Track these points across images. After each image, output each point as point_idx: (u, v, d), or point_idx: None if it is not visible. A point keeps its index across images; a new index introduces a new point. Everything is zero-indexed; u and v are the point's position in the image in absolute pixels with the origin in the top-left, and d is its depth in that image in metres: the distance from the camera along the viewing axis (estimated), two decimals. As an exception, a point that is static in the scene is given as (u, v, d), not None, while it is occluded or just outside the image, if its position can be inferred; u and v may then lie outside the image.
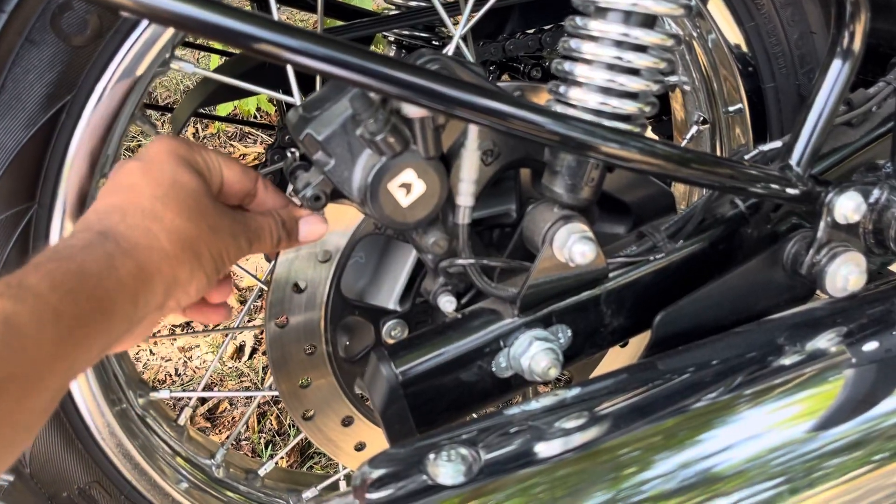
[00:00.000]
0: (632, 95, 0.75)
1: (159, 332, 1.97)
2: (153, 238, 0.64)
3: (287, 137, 1.19)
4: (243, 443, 1.69)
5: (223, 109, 2.52)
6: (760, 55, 1.06)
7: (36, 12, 0.73)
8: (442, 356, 0.82)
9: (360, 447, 1.00)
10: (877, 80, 1.03)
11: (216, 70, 1.11)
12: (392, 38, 1.31)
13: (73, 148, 0.80)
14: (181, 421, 1.09)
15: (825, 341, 0.84)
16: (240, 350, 1.91)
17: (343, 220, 0.87)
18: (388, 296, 0.93)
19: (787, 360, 0.83)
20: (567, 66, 0.76)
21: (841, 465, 0.79)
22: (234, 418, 1.73)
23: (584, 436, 0.75)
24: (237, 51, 1.38)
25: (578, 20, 0.75)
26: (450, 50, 0.95)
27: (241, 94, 1.59)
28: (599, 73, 0.74)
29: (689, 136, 1.19)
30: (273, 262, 0.86)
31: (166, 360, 1.88)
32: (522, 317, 0.83)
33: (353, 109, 0.71)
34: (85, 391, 0.92)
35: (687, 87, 1.18)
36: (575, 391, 0.81)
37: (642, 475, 0.73)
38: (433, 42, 1.27)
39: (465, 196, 0.78)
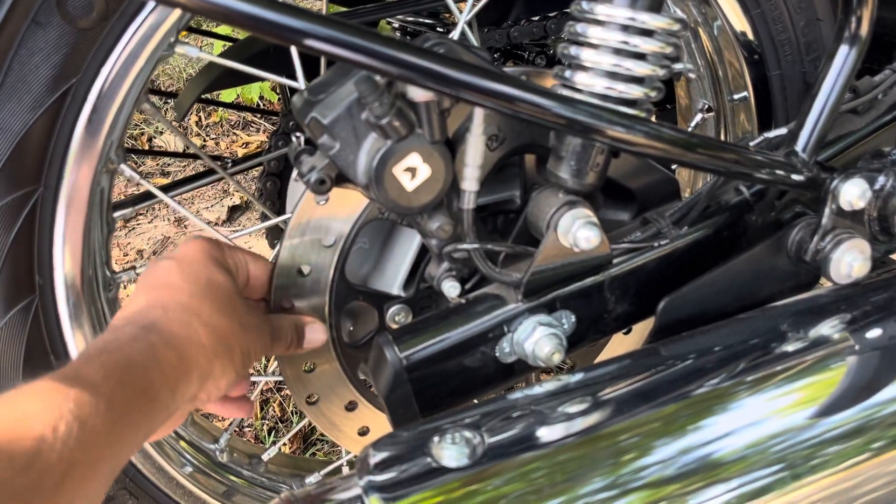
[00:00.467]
0: (638, 80, 0.75)
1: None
2: (193, 331, 0.69)
3: (291, 123, 1.19)
4: (247, 429, 1.70)
5: (226, 97, 2.52)
6: (766, 42, 1.06)
7: (42, -6, 0.73)
8: (446, 341, 0.82)
9: (363, 432, 1.01)
10: (883, 69, 1.03)
11: (221, 55, 1.11)
12: (397, 25, 1.30)
13: (78, 131, 0.80)
14: (185, 405, 1.09)
15: (828, 328, 0.84)
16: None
17: (347, 205, 0.87)
18: (392, 281, 0.93)
19: (790, 347, 0.83)
20: (573, 50, 0.76)
21: (842, 452, 0.79)
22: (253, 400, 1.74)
23: (587, 420, 0.75)
24: (241, 37, 1.38)
25: (585, 4, 0.75)
26: (455, 36, 0.95)
27: (246, 79, 1.59)
28: (605, 58, 0.74)
29: (693, 124, 1.18)
30: (277, 248, 0.86)
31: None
32: (526, 302, 0.83)
33: (358, 93, 0.71)
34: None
35: (692, 75, 1.18)
36: (578, 376, 0.81)
37: (643, 460, 0.73)
38: (437, 28, 1.26)
39: (470, 181, 0.78)
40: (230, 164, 1.32)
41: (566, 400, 0.78)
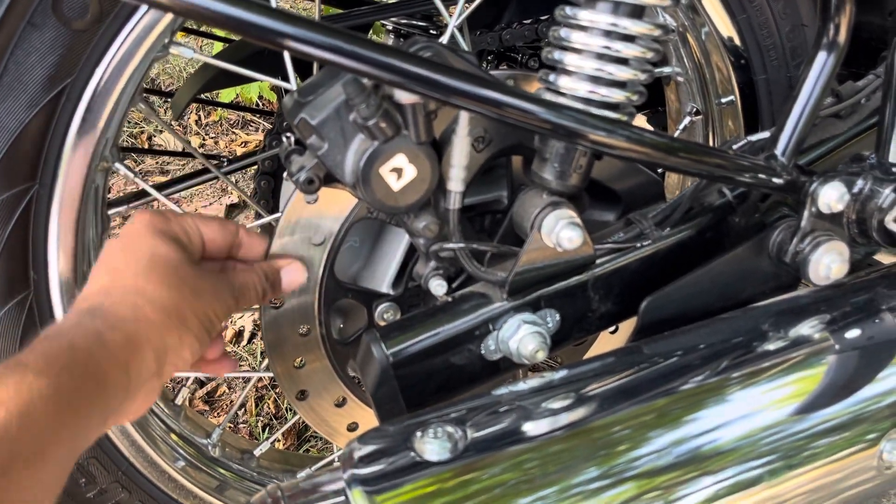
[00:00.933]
0: (620, 84, 0.77)
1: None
2: (138, 310, 0.68)
3: (284, 124, 1.21)
4: (241, 426, 1.72)
5: (225, 97, 2.53)
6: (752, 47, 1.08)
7: (38, -4, 0.74)
8: (432, 338, 0.84)
9: (352, 427, 1.03)
10: (867, 74, 1.05)
11: (216, 56, 1.12)
12: (390, 27, 1.32)
13: (73, 129, 0.82)
14: (178, 401, 1.11)
15: (809, 328, 0.86)
16: (238, 334, 1.94)
17: (337, 205, 0.88)
18: (382, 279, 0.95)
19: (770, 346, 0.84)
20: (557, 54, 0.78)
21: (821, 450, 0.81)
22: (232, 402, 1.76)
23: (569, 416, 0.77)
24: (237, 38, 1.39)
25: (568, 10, 0.77)
26: (445, 39, 0.97)
27: (240, 80, 1.61)
28: (588, 62, 0.76)
29: (682, 127, 1.20)
30: (268, 246, 0.87)
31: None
32: (511, 301, 0.85)
33: (345, 95, 0.72)
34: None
35: (680, 78, 1.19)
36: (561, 373, 0.83)
37: (624, 456, 0.74)
38: (430, 31, 1.28)
39: (456, 181, 0.79)
40: (226, 163, 1.33)
41: (549, 396, 0.79)
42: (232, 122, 2.79)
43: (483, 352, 0.86)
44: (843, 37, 0.79)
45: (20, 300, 0.87)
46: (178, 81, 2.97)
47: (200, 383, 1.79)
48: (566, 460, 0.72)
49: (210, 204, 2.39)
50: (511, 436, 0.74)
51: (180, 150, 2.49)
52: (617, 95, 0.77)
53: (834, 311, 0.87)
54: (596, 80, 0.76)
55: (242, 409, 1.74)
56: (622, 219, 0.92)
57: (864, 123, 0.97)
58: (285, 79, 0.95)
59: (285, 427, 1.22)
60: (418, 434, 0.71)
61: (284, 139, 0.83)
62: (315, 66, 0.98)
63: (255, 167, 1.30)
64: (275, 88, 2.56)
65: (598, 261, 0.87)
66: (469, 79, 0.67)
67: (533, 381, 0.82)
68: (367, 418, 1.02)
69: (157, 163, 2.54)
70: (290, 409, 1.72)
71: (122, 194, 2.31)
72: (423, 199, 0.80)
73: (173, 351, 0.70)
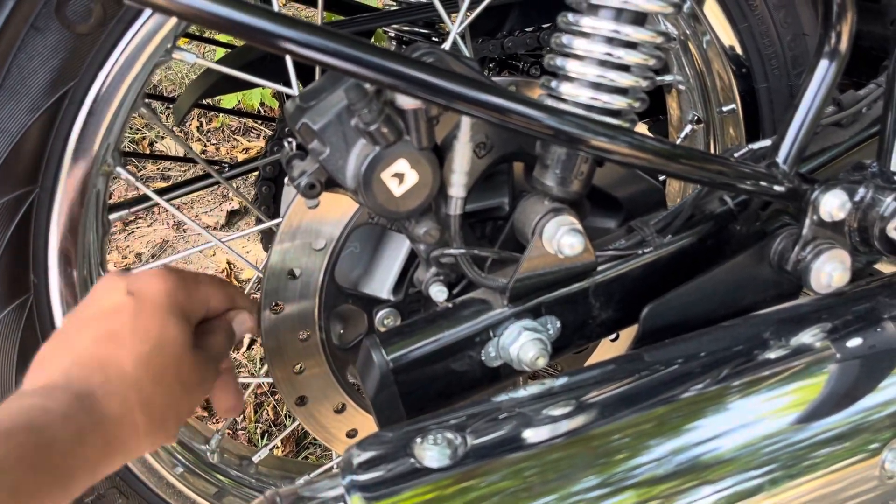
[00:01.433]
0: (622, 91, 0.77)
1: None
2: (127, 411, 0.66)
3: (286, 129, 1.21)
4: (240, 432, 1.71)
5: (227, 103, 2.54)
6: (754, 56, 1.08)
7: (42, 0, 0.75)
8: (432, 344, 0.84)
9: (352, 434, 1.02)
10: (868, 83, 1.05)
11: (218, 62, 1.13)
12: (393, 34, 1.33)
13: (74, 133, 0.82)
14: (177, 406, 1.11)
15: (810, 337, 0.86)
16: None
17: (338, 210, 0.88)
18: (382, 285, 0.95)
19: (771, 355, 0.84)
20: (559, 61, 0.78)
21: (822, 459, 0.80)
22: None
23: (569, 424, 0.76)
24: (239, 44, 1.40)
25: (571, 16, 0.77)
26: (447, 46, 0.97)
27: (243, 85, 1.61)
28: (590, 69, 0.76)
29: (683, 135, 1.20)
30: (269, 251, 0.87)
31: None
32: (512, 307, 0.85)
33: (347, 100, 0.72)
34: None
35: (682, 87, 1.19)
36: (562, 380, 0.82)
37: (625, 464, 0.74)
38: (433, 38, 1.28)
39: (457, 187, 0.79)
40: (227, 169, 1.33)
41: (549, 403, 0.79)
42: (234, 129, 2.80)
43: (483, 358, 0.86)
44: (844, 45, 0.79)
45: (20, 303, 0.86)
46: (179, 88, 2.98)
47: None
48: (566, 468, 0.71)
49: (211, 210, 2.39)
50: (511, 443, 0.73)
51: (181, 155, 2.50)
52: (619, 102, 0.77)
53: (835, 320, 0.86)
54: (598, 86, 0.76)
55: (241, 416, 1.74)
56: (623, 226, 0.92)
57: (865, 132, 0.97)
58: (287, 84, 0.95)
59: (284, 433, 1.21)
60: (418, 440, 0.71)
61: (286, 144, 0.82)
62: (317, 71, 0.98)
63: (257, 173, 1.30)
64: (276, 95, 2.56)
65: (599, 268, 0.86)
66: (471, 84, 0.67)
67: (533, 388, 0.82)
68: (367, 424, 1.01)
69: (158, 168, 2.54)
70: (289, 416, 1.72)
71: (122, 199, 2.32)
72: (424, 205, 0.80)
73: (139, 452, 0.69)
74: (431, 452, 0.69)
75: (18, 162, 0.80)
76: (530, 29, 1.28)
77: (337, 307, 0.93)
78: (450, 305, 0.86)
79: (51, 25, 0.76)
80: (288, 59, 0.93)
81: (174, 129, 2.40)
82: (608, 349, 1.13)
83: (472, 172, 0.81)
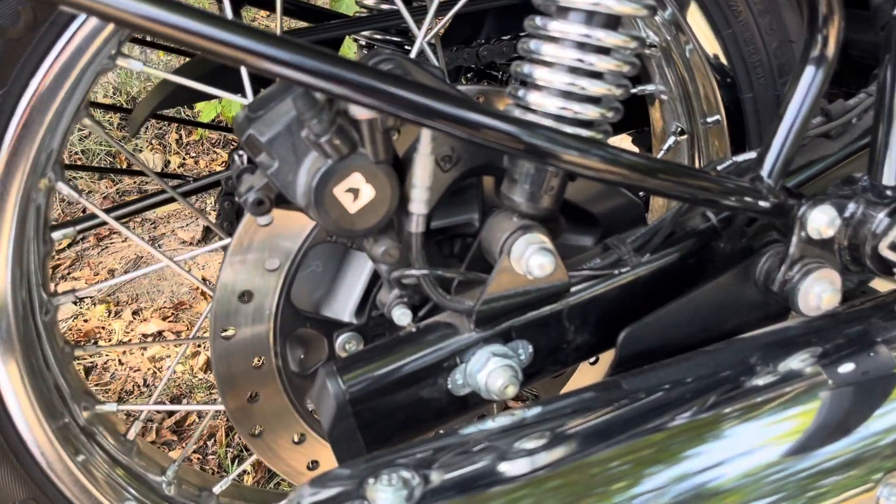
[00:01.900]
0: (594, 100, 0.72)
1: (130, 340, 1.92)
2: None
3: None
4: (210, 457, 1.64)
5: (206, 116, 2.48)
6: (738, 65, 1.03)
7: (-33, 2, 0.69)
8: (393, 372, 0.78)
9: (313, 466, 0.96)
10: (858, 93, 1.00)
11: (176, 71, 1.07)
12: (363, 42, 1.27)
13: (5, 145, 0.76)
14: (131, 435, 1.04)
15: (799, 362, 0.81)
16: (209, 362, 1.87)
17: (293, 227, 0.83)
18: (344, 307, 0.89)
19: (758, 381, 0.79)
20: (526, 68, 0.73)
21: (813, 493, 0.75)
22: (203, 432, 1.68)
23: (540, 459, 0.71)
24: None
25: (538, 20, 0.72)
26: (413, 54, 0.92)
27: (203, 96, 1.55)
28: (560, 77, 0.71)
29: (666, 147, 1.15)
30: (220, 270, 0.81)
31: (135, 371, 1.84)
32: (480, 331, 0.79)
33: (296, 109, 0.67)
34: (23, 402, 0.88)
35: (664, 97, 1.14)
36: (535, 410, 0.77)
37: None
38: (405, 46, 1.23)
39: (419, 203, 0.74)
40: (191, 182, 1.28)
41: (520, 436, 0.74)
42: (213, 142, 2.74)
43: (450, 386, 0.80)
44: (831, 51, 0.74)
45: (-51, 329, 0.80)
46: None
47: (168, 412, 1.72)
48: (535, 510, 0.66)
49: (187, 225, 2.33)
50: (476, 481, 0.68)
51: (156, 169, 2.44)
52: (591, 112, 0.71)
53: (826, 344, 0.81)
54: (568, 95, 0.71)
55: (212, 440, 1.67)
56: (600, 244, 0.86)
57: (855, 144, 0.92)
58: (244, 94, 0.90)
59: (244, 464, 1.15)
60: (370, 481, 0.65)
61: (236, 157, 0.77)
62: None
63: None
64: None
65: (573, 289, 0.81)
66: (427, 93, 0.62)
67: (503, 419, 0.76)
68: (330, 455, 0.95)
69: (135, 182, 2.48)
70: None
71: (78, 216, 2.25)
72: (382, 222, 0.74)
73: None
74: (385, 494, 0.64)
75: (-58, 176, 0.74)
76: (507, 37, 1.23)
77: (294, 331, 0.87)
78: (413, 330, 0.80)
79: (-24, 29, 0.70)
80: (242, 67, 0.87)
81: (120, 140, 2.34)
82: (587, 372, 1.07)
83: (435, 187, 0.76)
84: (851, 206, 0.79)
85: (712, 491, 0.71)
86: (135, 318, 1.99)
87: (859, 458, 0.77)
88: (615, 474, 0.70)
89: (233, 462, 1.61)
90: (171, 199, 1.16)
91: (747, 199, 0.76)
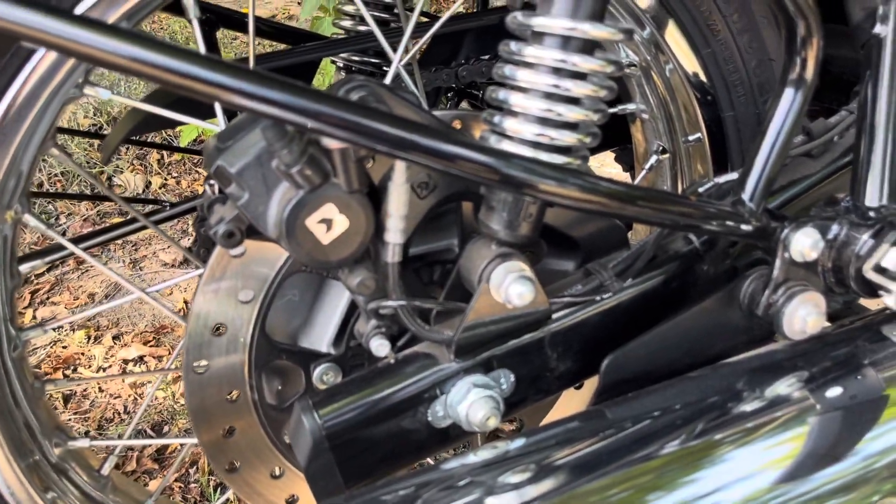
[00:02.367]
0: (571, 126, 0.70)
1: (109, 367, 1.89)
2: None
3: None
4: (192, 485, 1.61)
5: (187, 136, 2.46)
6: (719, 83, 1.02)
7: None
8: (372, 405, 0.76)
9: (292, 501, 0.93)
10: (839, 110, 0.99)
11: (145, 98, 1.05)
12: (341, 65, 1.26)
13: (-34, 178, 0.74)
14: (105, 470, 1.01)
15: (786, 387, 0.79)
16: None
17: (267, 258, 0.80)
18: (321, 337, 0.87)
19: (746, 408, 0.77)
20: (502, 94, 0.71)
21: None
22: (184, 460, 1.65)
23: (526, 493, 0.69)
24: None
25: (513, 45, 0.70)
26: (389, 78, 0.90)
27: (175, 122, 1.53)
28: (536, 103, 0.69)
29: (648, 166, 1.14)
30: (192, 301, 0.79)
31: (115, 398, 1.80)
32: (460, 361, 0.77)
33: (265, 139, 0.65)
34: (-10, 442, 0.85)
35: (645, 116, 1.13)
36: (518, 442, 0.75)
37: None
38: (384, 67, 1.22)
39: (395, 233, 0.72)
40: (167, 209, 1.25)
41: (504, 470, 0.72)
42: (195, 161, 2.71)
43: (431, 418, 0.78)
44: (811, 71, 0.73)
45: (-90, 369, 0.77)
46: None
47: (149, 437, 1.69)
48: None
49: (168, 247, 2.30)
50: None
51: (133, 194, 2.41)
52: (568, 138, 0.70)
53: (813, 368, 0.80)
54: (544, 121, 0.69)
55: (194, 468, 1.63)
56: (581, 268, 0.84)
57: (837, 162, 0.91)
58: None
59: (225, 496, 1.12)
60: (346, 524, 0.62)
61: (207, 187, 0.75)
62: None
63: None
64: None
65: (554, 316, 0.79)
66: (398, 124, 0.60)
67: (486, 453, 0.74)
68: (308, 490, 0.92)
69: (114, 205, 2.45)
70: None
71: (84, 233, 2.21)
72: (357, 253, 0.72)
73: None
74: (363, 537, 0.61)
75: None
76: (486, 57, 1.21)
77: (270, 363, 0.85)
78: (392, 361, 0.78)
79: (-67, 61, 0.68)
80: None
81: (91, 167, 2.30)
82: (571, 397, 1.06)
83: (412, 215, 0.74)
84: (835, 228, 0.78)
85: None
86: (115, 343, 1.96)
87: (855, 483, 0.75)
88: (601, 508, 0.68)
89: (215, 490, 1.58)
90: (141, 229, 1.13)
91: (729, 223, 0.75)
